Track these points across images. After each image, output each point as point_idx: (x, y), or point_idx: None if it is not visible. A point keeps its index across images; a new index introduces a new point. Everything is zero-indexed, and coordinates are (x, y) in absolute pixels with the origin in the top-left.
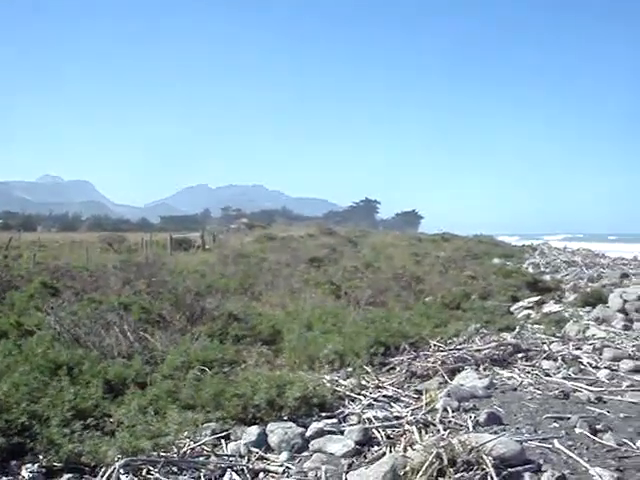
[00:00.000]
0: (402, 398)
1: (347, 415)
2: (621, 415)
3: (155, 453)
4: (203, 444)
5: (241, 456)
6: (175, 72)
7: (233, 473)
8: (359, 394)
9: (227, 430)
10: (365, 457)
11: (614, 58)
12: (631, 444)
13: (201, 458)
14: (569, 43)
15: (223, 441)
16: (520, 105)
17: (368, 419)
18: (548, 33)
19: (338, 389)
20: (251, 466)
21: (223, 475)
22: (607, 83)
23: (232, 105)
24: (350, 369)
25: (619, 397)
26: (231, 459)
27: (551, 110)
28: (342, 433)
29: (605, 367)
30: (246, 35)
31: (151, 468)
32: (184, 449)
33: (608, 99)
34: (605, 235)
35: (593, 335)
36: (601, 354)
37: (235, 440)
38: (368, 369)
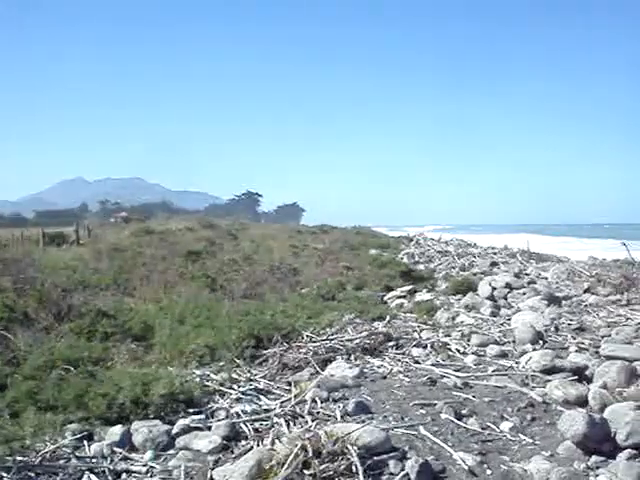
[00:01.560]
0: (274, 390)
1: (215, 410)
2: (486, 399)
3: (10, 458)
4: (64, 446)
5: (104, 457)
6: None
7: (92, 475)
8: (230, 388)
9: (90, 431)
10: (232, 452)
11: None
12: (495, 427)
13: (61, 461)
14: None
15: (86, 442)
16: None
17: (236, 413)
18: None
19: (208, 384)
20: (113, 467)
21: (81, 478)
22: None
23: (105, 93)
24: (222, 363)
25: (485, 382)
26: (93, 460)
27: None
28: (209, 429)
29: (472, 353)
30: None
31: (4, 474)
32: (43, 452)
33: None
34: (470, 226)
35: (462, 322)
36: (469, 340)
37: (98, 441)
38: (240, 362)
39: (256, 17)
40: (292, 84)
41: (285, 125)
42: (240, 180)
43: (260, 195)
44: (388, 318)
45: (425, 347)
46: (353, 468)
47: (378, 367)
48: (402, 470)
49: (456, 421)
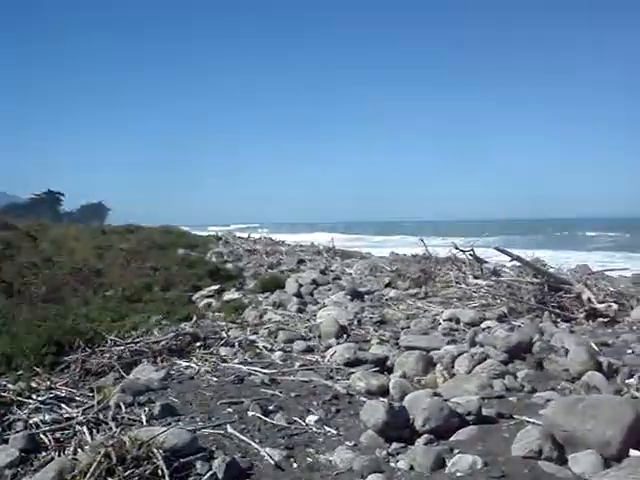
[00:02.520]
0: (76, 398)
1: (13, 422)
2: (292, 394)
3: None
4: None
5: None
6: None
7: None
8: (29, 398)
9: None
10: (32, 465)
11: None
12: (301, 421)
13: None
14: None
15: None
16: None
17: (35, 424)
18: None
19: (4, 395)
20: None
21: None
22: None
23: None
24: (20, 372)
25: (291, 377)
26: None
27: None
28: (7, 442)
29: (280, 349)
30: None
31: None
32: None
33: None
34: (278, 224)
35: (270, 319)
36: (276, 337)
37: None
38: (39, 370)
39: None
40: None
41: (90, 122)
42: (43, 179)
43: (62, 194)
44: (195, 318)
45: (233, 346)
46: (159, 472)
47: (185, 368)
48: (209, 470)
49: (263, 417)
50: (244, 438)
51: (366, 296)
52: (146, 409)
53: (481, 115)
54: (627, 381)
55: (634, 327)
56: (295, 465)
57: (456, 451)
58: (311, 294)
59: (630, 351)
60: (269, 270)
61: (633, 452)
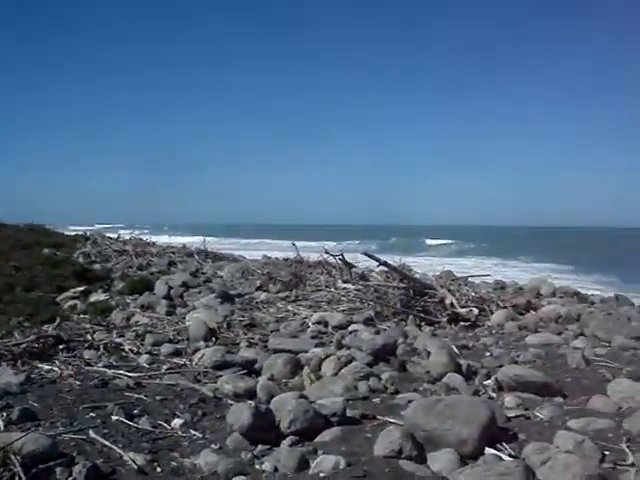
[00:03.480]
0: None
1: None
2: (158, 398)
3: None
4: None
5: None
6: None
7: None
8: None
9: None
10: None
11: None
12: (166, 425)
13: None
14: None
15: None
16: None
17: None
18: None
19: None
20: None
21: None
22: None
23: None
24: None
25: (158, 380)
26: None
27: None
28: None
29: (146, 352)
30: None
31: None
32: None
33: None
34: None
35: (137, 322)
36: (143, 340)
37: None
38: None
39: None
40: None
41: None
42: None
43: None
44: (59, 320)
45: (98, 349)
46: (17, 479)
47: (47, 372)
48: (70, 476)
49: (127, 422)
50: (107, 443)
51: (236, 299)
52: (4, 414)
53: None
54: (485, 382)
55: (493, 331)
56: (159, 469)
57: (320, 452)
58: (181, 297)
59: (488, 354)
60: (138, 271)
61: (488, 450)
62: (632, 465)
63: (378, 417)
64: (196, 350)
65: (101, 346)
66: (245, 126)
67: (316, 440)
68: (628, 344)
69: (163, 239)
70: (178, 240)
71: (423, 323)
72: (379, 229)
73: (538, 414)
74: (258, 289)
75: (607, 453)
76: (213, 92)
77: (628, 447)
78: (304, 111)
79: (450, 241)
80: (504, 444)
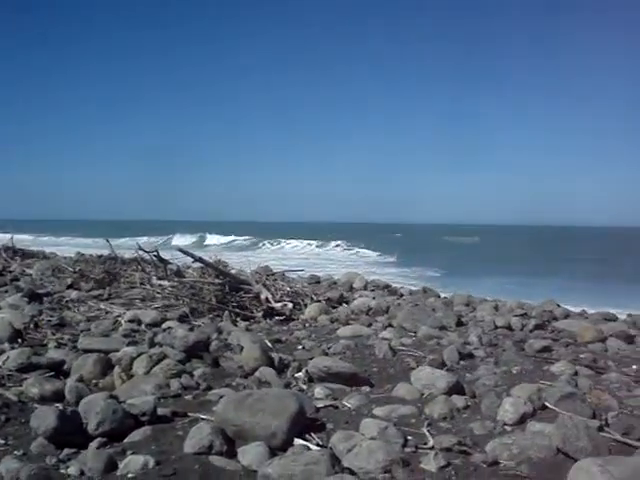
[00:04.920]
0: None
1: None
2: None
3: None
4: None
5: None
6: None
7: None
8: None
9: None
10: None
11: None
12: None
13: None
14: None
15: None
16: None
17: None
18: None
19: None
20: None
21: None
22: None
23: None
24: None
25: None
26: None
27: None
28: None
29: None
30: None
31: None
32: None
33: None
34: None
35: None
36: None
37: None
38: None
39: None
40: None
41: None
42: None
43: None
44: None
45: None
46: None
47: None
48: None
49: None
50: None
51: (45, 298)
52: None
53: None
54: (296, 375)
55: (307, 324)
56: None
57: (129, 452)
58: None
59: (301, 347)
60: None
61: (297, 441)
62: (432, 448)
63: (189, 414)
64: (0, 353)
65: None
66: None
67: (125, 441)
68: (432, 333)
69: None
70: None
71: (239, 318)
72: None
73: (346, 403)
74: (69, 287)
75: (409, 438)
76: None
77: (429, 431)
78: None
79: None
80: (313, 434)
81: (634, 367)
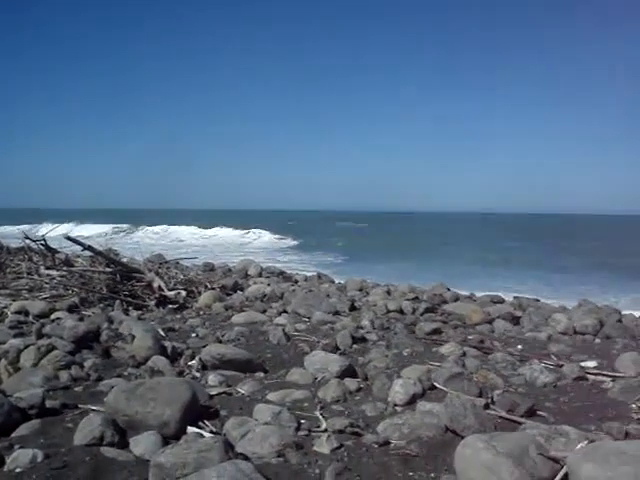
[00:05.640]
0: None
1: None
2: None
3: None
4: None
5: None
6: None
7: None
8: None
9: None
10: None
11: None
12: None
13: None
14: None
15: None
16: None
17: None
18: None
19: None
20: None
21: None
22: None
23: None
24: None
25: None
26: None
27: None
28: None
29: None
30: None
31: None
32: None
33: None
34: None
35: None
36: None
37: None
38: None
39: None
40: None
41: None
42: None
43: None
44: None
45: None
46: None
47: None
48: None
49: None
50: None
51: None
52: None
53: None
54: (189, 363)
55: (201, 312)
56: None
57: (17, 447)
58: None
59: (194, 334)
60: None
61: (190, 429)
62: (325, 431)
63: (80, 406)
64: None
65: None
66: None
67: (13, 435)
68: (326, 318)
69: None
70: None
71: (131, 307)
72: None
73: (240, 390)
74: None
75: (303, 421)
76: None
77: (321, 414)
78: None
79: None
80: (206, 422)
81: (519, 347)
